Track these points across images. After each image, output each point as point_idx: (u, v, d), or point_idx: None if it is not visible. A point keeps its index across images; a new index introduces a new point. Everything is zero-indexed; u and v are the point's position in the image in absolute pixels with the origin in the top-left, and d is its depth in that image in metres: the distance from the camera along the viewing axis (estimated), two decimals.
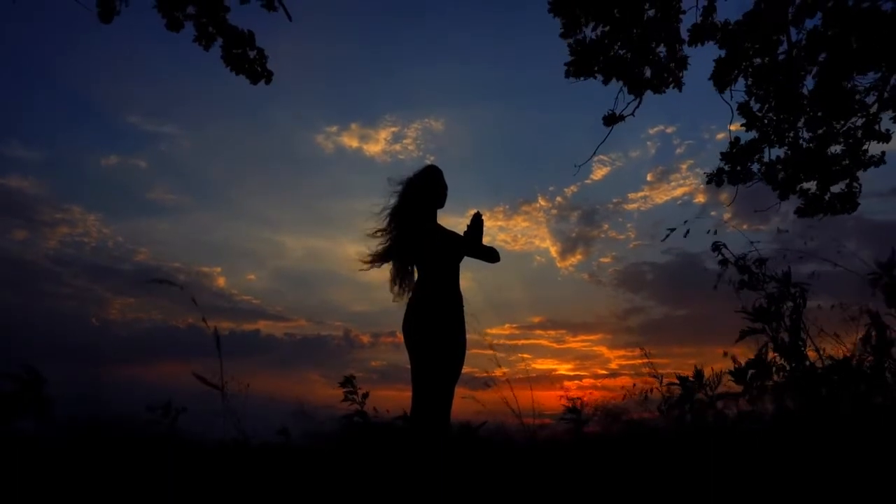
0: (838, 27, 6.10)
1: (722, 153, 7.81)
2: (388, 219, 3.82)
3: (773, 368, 4.11)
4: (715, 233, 5.56)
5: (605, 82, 6.84)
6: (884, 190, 11.16)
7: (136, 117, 16.46)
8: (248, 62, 5.90)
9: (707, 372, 4.20)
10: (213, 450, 4.15)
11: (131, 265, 15.75)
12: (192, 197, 17.34)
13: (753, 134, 7.60)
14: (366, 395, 4.75)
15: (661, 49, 6.75)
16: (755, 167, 7.70)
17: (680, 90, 6.96)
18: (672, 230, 6.02)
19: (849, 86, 6.67)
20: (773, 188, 7.63)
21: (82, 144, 16.94)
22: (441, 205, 3.85)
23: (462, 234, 3.76)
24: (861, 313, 4.42)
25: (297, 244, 18.05)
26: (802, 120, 7.25)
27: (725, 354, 4.04)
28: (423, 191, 3.79)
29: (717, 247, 5.42)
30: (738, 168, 7.80)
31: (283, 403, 4.79)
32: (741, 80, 7.29)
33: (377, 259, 3.81)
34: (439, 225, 3.87)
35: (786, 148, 7.49)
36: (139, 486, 3.61)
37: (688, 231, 5.94)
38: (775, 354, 4.16)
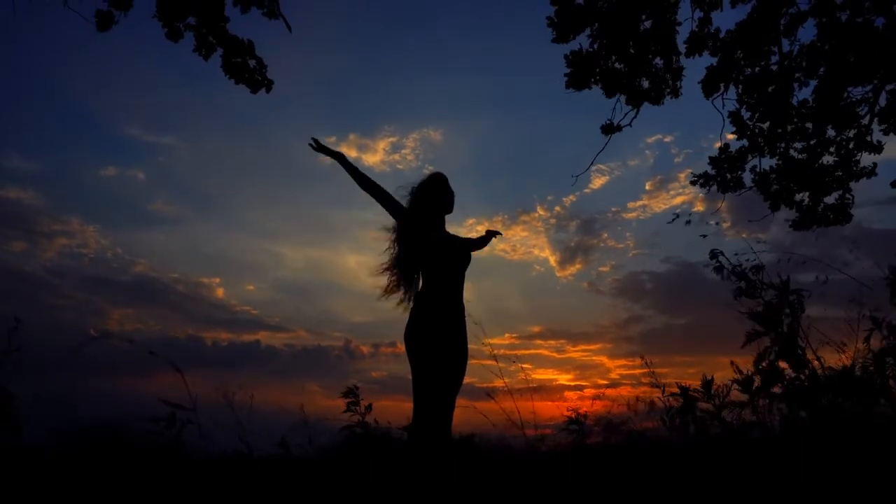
0: (834, 41, 6.20)
1: (710, 158, 7.87)
2: (395, 228, 3.83)
3: (776, 377, 4.12)
4: (715, 225, 5.73)
5: (608, 96, 6.88)
6: (882, 198, 11.29)
7: (134, 129, 16.43)
8: (248, 71, 5.90)
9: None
10: (216, 462, 4.12)
11: (130, 276, 15.69)
12: (190, 208, 17.31)
13: (744, 142, 7.67)
14: (369, 407, 4.70)
15: (658, 60, 6.81)
16: (747, 176, 7.76)
17: (676, 97, 7.03)
18: (677, 216, 6.76)
19: (845, 97, 6.76)
20: (765, 199, 7.69)
21: (81, 156, 16.89)
22: (448, 211, 3.87)
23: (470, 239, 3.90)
24: (860, 319, 4.46)
25: (296, 254, 18.02)
26: (791, 129, 7.33)
27: (733, 364, 4.05)
28: (429, 198, 3.80)
29: (714, 254, 5.49)
30: (728, 176, 7.85)
31: (283, 415, 4.75)
32: (733, 89, 7.36)
33: (389, 271, 3.82)
34: (447, 232, 3.88)
35: (777, 158, 7.56)
36: (142, 498, 3.58)
37: (689, 220, 6.66)
38: (781, 362, 4.17)
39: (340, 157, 3.80)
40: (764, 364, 3.91)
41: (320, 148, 3.81)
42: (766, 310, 4.43)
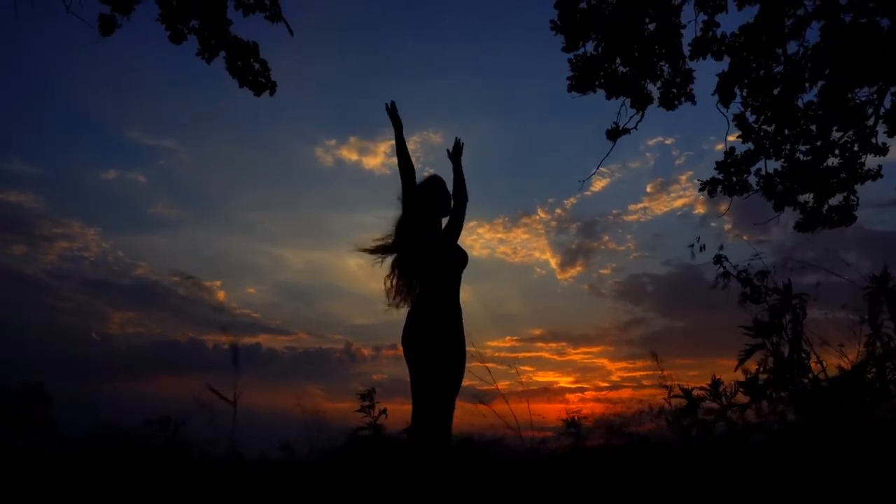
0: (838, 43, 6.16)
1: (717, 163, 7.83)
2: (393, 230, 3.82)
3: (776, 382, 4.10)
4: (702, 249, 5.61)
5: (609, 97, 6.86)
6: (883, 200, 11.23)
7: (135, 132, 16.47)
8: (252, 73, 5.91)
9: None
10: (216, 464, 4.12)
11: (131, 279, 15.69)
12: (191, 211, 17.33)
13: (750, 145, 7.63)
14: (384, 412, 4.70)
15: (664, 64, 6.78)
16: (752, 179, 7.71)
17: (694, 103, 6.99)
18: (692, 246, 6.20)
19: (851, 99, 6.71)
20: (769, 200, 7.64)
21: (81, 159, 16.93)
22: (445, 214, 3.85)
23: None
24: (861, 323, 4.44)
25: (296, 257, 18.01)
26: (797, 131, 7.28)
27: (738, 369, 4.04)
28: (426, 200, 3.79)
29: (718, 259, 5.47)
30: (734, 179, 7.81)
31: (285, 418, 4.75)
32: (737, 92, 7.32)
33: (379, 251, 3.81)
34: (443, 234, 3.86)
35: (783, 160, 7.52)
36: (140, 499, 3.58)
37: (696, 248, 6.06)
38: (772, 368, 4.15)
39: (399, 129, 3.85)
40: (762, 374, 3.91)
41: (393, 111, 3.86)
42: (771, 314, 4.41)
